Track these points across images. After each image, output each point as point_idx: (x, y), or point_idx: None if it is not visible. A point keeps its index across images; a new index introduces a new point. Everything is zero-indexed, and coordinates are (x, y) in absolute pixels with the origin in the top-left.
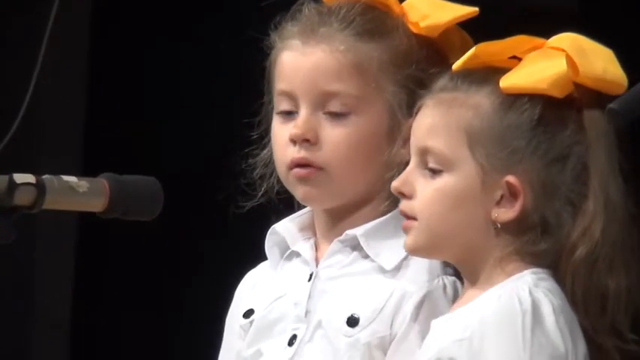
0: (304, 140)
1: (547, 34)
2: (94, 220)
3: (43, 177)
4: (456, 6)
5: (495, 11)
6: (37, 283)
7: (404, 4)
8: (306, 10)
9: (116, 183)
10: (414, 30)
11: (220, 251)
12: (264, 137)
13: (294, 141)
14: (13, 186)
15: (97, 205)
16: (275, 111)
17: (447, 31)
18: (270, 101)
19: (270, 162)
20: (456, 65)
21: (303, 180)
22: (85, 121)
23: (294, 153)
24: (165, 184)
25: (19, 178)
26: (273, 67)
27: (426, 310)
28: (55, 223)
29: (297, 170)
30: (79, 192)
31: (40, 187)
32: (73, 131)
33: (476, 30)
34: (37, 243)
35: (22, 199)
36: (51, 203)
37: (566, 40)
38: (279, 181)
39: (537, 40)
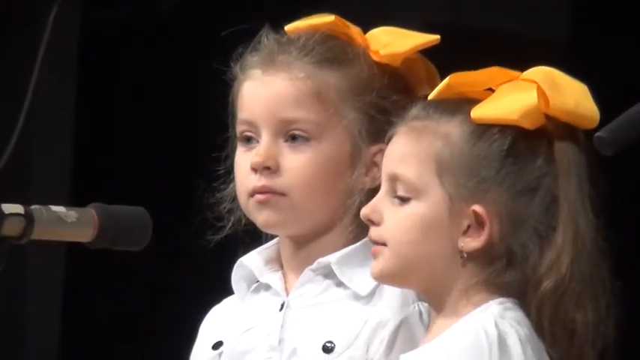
0: (265, 168)
1: (536, 65)
2: (83, 249)
3: (32, 207)
4: (418, 34)
5: (491, 42)
6: (26, 311)
7: (367, 35)
8: (265, 39)
9: (105, 213)
10: (376, 58)
11: (187, 285)
12: (230, 172)
13: (255, 169)
14: (1, 217)
15: (85, 235)
16: (238, 140)
17: (410, 61)
18: (236, 134)
19: (237, 196)
20: (431, 95)
21: (263, 205)
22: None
23: (255, 181)
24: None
25: (8, 208)
26: (236, 99)
27: (403, 336)
28: (44, 251)
29: (257, 196)
30: (68, 222)
31: (28, 218)
32: (61, 162)
33: (470, 61)
34: (26, 271)
35: (10, 229)
36: (39, 234)
37: (540, 72)
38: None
39: (512, 73)
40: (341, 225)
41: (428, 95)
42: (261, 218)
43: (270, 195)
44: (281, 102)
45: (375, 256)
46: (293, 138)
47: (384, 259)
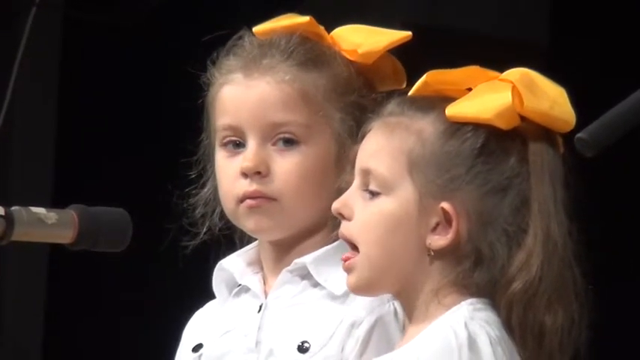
0: (256, 173)
1: (513, 67)
2: (65, 250)
3: (12, 209)
4: (388, 31)
5: (469, 44)
6: (6, 312)
7: (332, 34)
8: (247, 43)
9: (85, 214)
10: (351, 58)
11: (170, 289)
12: (202, 176)
13: (245, 174)
14: None
15: (66, 236)
16: (219, 146)
17: (378, 58)
18: (208, 138)
19: (210, 201)
20: (411, 92)
21: (254, 210)
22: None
23: (246, 186)
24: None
25: None
26: (213, 102)
27: (378, 334)
28: (25, 249)
29: (248, 201)
30: (48, 224)
31: (8, 219)
32: (42, 163)
33: (448, 63)
34: (6, 272)
35: None
36: (20, 235)
37: (518, 73)
38: (221, 218)
39: (491, 73)
40: (326, 228)
41: (402, 92)
42: (251, 223)
43: (261, 200)
44: (268, 106)
45: (347, 270)
46: (282, 141)
47: (358, 268)
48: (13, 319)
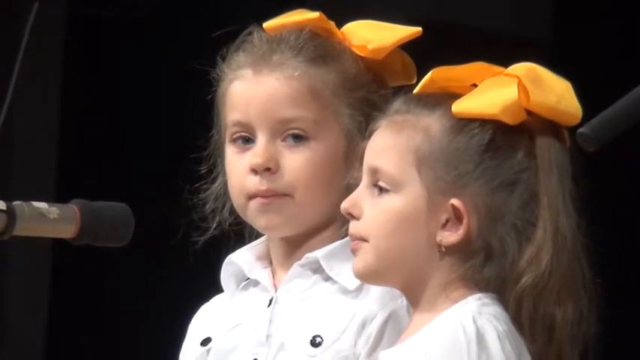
0: (266, 169)
1: (516, 63)
2: (69, 248)
3: (14, 203)
4: (397, 27)
5: (472, 39)
6: (10, 309)
7: (343, 29)
8: (256, 39)
9: (87, 209)
10: (361, 53)
11: (175, 283)
12: (212, 171)
13: (254, 170)
14: None
15: (67, 231)
16: (229, 141)
17: (388, 53)
18: (218, 133)
19: (221, 196)
20: (416, 89)
21: (265, 208)
22: (58, 149)
23: (257, 183)
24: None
25: None
26: (223, 98)
27: (390, 329)
28: (29, 248)
29: (259, 199)
30: (50, 218)
31: (10, 214)
32: (45, 158)
33: (451, 58)
34: (10, 268)
35: None
36: (21, 230)
37: (523, 68)
38: (231, 213)
39: (496, 68)
40: (336, 224)
41: (409, 89)
42: (263, 221)
43: (273, 197)
44: (278, 102)
45: (354, 252)
46: (292, 137)
47: (364, 256)
48: (17, 318)
